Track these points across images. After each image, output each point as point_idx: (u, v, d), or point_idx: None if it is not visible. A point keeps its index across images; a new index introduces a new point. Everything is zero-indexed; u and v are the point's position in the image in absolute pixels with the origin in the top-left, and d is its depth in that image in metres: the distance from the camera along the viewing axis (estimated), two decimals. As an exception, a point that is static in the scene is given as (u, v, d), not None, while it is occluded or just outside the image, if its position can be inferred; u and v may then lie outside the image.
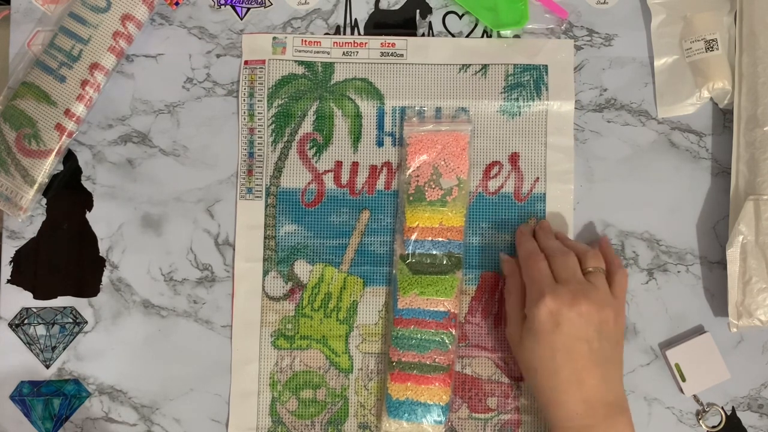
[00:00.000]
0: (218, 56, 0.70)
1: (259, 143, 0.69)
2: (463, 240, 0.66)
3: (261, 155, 0.69)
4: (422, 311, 0.65)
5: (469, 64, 0.69)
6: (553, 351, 0.57)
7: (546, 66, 0.69)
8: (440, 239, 0.65)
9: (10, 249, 0.69)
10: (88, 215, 0.69)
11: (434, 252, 0.65)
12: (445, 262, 0.65)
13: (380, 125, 0.69)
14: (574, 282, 0.58)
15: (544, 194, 0.68)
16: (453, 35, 0.70)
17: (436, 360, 0.64)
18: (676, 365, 0.66)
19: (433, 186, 0.66)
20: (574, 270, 0.60)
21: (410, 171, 0.66)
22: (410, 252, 0.65)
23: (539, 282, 0.59)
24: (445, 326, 0.64)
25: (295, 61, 0.69)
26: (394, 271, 0.66)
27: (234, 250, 0.68)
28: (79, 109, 0.67)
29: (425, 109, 0.68)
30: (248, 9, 0.70)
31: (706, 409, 0.67)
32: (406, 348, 0.64)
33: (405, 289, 0.65)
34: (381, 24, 0.70)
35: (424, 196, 0.66)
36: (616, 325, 0.59)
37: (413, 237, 0.65)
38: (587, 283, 0.59)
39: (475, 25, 0.70)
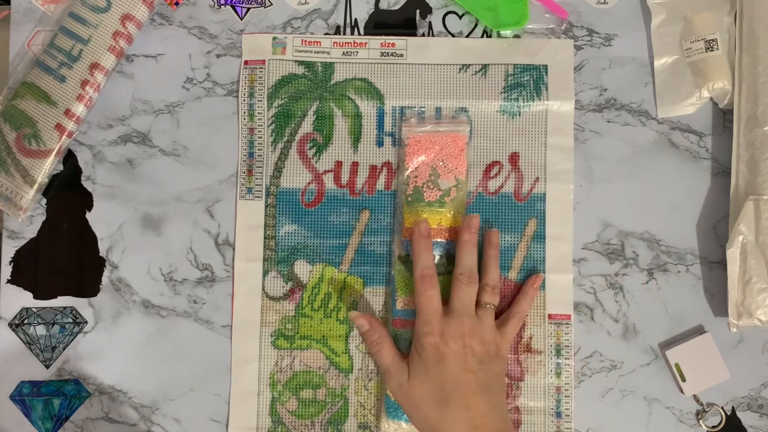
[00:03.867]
0: (218, 56, 0.70)
1: (259, 143, 0.69)
2: None
3: (261, 155, 0.69)
4: None
5: (469, 64, 0.69)
6: (443, 381, 0.59)
7: (546, 66, 0.69)
8: (439, 240, 0.65)
9: (10, 249, 0.69)
10: (88, 215, 0.69)
11: (432, 252, 0.65)
12: (443, 262, 0.65)
13: (380, 125, 0.69)
14: (463, 316, 0.61)
15: (544, 194, 0.68)
16: (453, 35, 0.70)
17: None
18: (676, 365, 0.66)
19: (432, 187, 0.66)
20: (468, 305, 0.61)
21: (408, 172, 0.66)
22: (408, 253, 0.65)
23: (428, 314, 0.61)
24: None
25: (295, 61, 0.69)
26: (392, 272, 0.66)
27: (234, 250, 0.68)
28: (79, 109, 0.67)
29: (424, 109, 0.68)
30: (248, 9, 0.70)
31: (706, 409, 0.67)
32: (405, 348, 0.64)
33: (403, 290, 0.65)
34: (381, 24, 0.70)
35: (422, 196, 0.66)
36: (498, 358, 0.62)
37: (411, 237, 0.65)
38: (475, 318, 0.61)
39: (475, 25, 0.70)
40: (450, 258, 0.65)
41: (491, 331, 0.62)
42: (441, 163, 0.66)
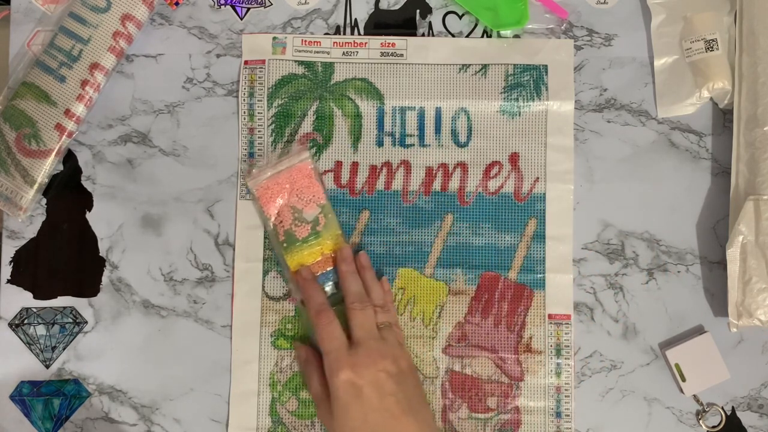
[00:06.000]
0: (218, 56, 0.70)
1: (259, 143, 0.69)
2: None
3: (261, 155, 0.69)
4: None
5: (469, 64, 0.69)
6: (365, 414, 0.57)
7: (546, 66, 0.69)
8: (328, 269, 0.65)
9: (10, 249, 0.69)
10: (88, 215, 0.69)
11: (327, 283, 0.65)
12: (338, 290, 0.65)
13: (380, 125, 0.69)
14: (369, 341, 0.60)
15: (544, 194, 0.68)
16: (453, 35, 0.70)
17: None
18: (676, 365, 0.66)
19: (299, 224, 0.66)
20: (370, 328, 0.61)
21: (272, 220, 0.66)
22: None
23: (334, 351, 0.59)
24: None
25: (295, 61, 0.69)
26: (299, 318, 0.67)
27: (234, 250, 0.68)
28: (79, 109, 0.67)
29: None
30: (248, 9, 0.70)
31: (706, 409, 0.67)
32: None
33: (311, 330, 0.66)
34: (381, 24, 0.70)
35: (295, 237, 0.66)
36: (411, 372, 0.61)
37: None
38: (381, 339, 0.61)
39: (475, 25, 0.70)
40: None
41: (399, 348, 0.61)
42: (297, 198, 0.66)
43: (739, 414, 0.67)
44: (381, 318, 0.62)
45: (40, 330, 0.68)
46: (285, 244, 0.66)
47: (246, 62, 0.70)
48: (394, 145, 0.69)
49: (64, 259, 0.69)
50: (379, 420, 0.57)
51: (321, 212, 0.66)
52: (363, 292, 0.63)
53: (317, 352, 0.63)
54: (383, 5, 0.70)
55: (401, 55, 0.69)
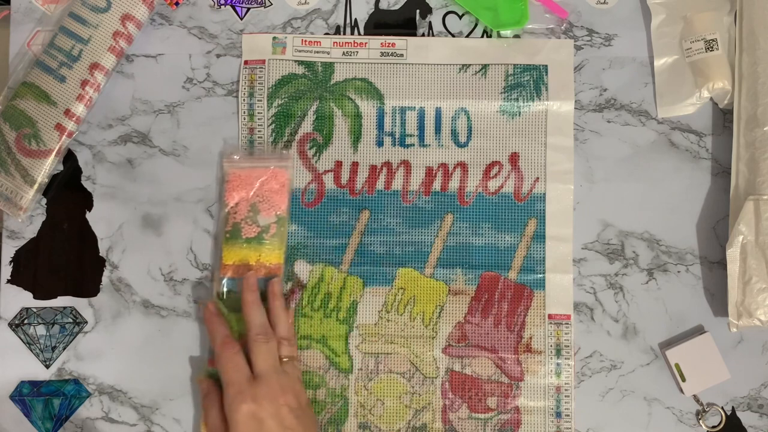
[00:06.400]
0: (218, 56, 0.70)
1: (259, 143, 0.69)
2: (282, 276, 0.66)
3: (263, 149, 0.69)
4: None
5: (469, 64, 0.69)
6: None
7: (546, 66, 0.69)
8: (259, 277, 0.65)
9: (10, 249, 0.69)
10: (88, 215, 0.69)
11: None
12: (262, 299, 0.64)
13: (380, 125, 0.69)
14: (272, 374, 0.59)
15: (544, 194, 0.68)
16: (453, 35, 0.70)
17: None
18: (676, 365, 0.66)
19: (250, 223, 0.65)
20: (273, 361, 0.60)
21: (228, 208, 0.66)
22: (226, 290, 0.65)
23: (237, 383, 0.58)
24: None
25: (295, 61, 0.69)
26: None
27: (234, 250, 0.68)
28: (79, 109, 0.67)
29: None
30: (248, 9, 0.70)
31: (706, 409, 0.67)
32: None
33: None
34: (381, 24, 0.70)
35: (240, 233, 0.65)
36: (309, 406, 0.61)
37: (228, 274, 0.65)
38: (284, 373, 0.60)
39: (475, 25, 0.70)
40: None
41: (299, 384, 0.61)
42: (260, 200, 0.66)
43: (739, 414, 0.67)
44: (284, 351, 0.62)
45: (40, 330, 0.68)
46: (228, 236, 0.66)
47: (246, 62, 0.70)
48: (394, 145, 0.69)
49: (64, 259, 0.69)
50: None
51: (276, 222, 0.66)
52: (267, 324, 0.62)
53: (218, 387, 0.61)
54: (383, 5, 0.70)
55: (401, 55, 0.69)
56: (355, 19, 0.70)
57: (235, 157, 0.67)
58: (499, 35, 0.69)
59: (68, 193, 0.69)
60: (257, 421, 0.57)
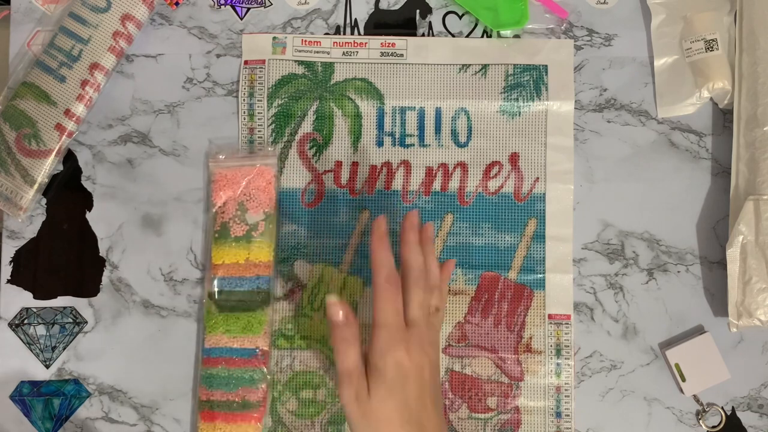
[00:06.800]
0: (218, 56, 0.70)
1: (259, 143, 0.69)
2: (272, 274, 0.66)
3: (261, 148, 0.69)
4: (230, 350, 0.65)
5: (469, 64, 0.69)
6: (406, 399, 0.53)
7: (546, 66, 0.69)
8: (247, 275, 0.65)
9: (10, 249, 0.69)
10: (88, 215, 0.69)
11: (241, 288, 0.65)
12: (252, 298, 0.65)
13: (380, 125, 0.69)
14: (423, 324, 0.55)
15: (544, 194, 0.68)
16: (453, 35, 0.70)
17: (246, 397, 0.64)
18: (676, 365, 0.66)
19: (238, 222, 0.65)
20: (426, 312, 0.56)
21: (216, 208, 0.66)
22: (217, 290, 0.65)
23: (393, 327, 0.54)
24: (254, 363, 0.64)
25: (295, 61, 0.69)
26: (203, 310, 0.66)
27: (234, 250, 0.68)
28: (79, 109, 0.67)
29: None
30: (248, 9, 0.70)
31: (706, 409, 0.67)
32: (215, 387, 0.64)
33: (212, 328, 0.65)
34: (381, 24, 0.70)
35: (228, 232, 0.66)
36: (438, 364, 0.58)
37: (219, 274, 0.65)
38: (431, 325, 0.57)
39: (475, 25, 0.70)
40: (260, 294, 0.65)
41: (438, 334, 0.59)
42: (248, 198, 0.66)
43: (739, 414, 0.67)
44: (435, 301, 0.58)
45: (40, 330, 0.68)
46: (216, 235, 0.66)
47: (246, 62, 0.70)
48: (394, 145, 0.69)
49: (64, 259, 0.69)
50: (418, 408, 0.54)
51: (264, 219, 0.66)
52: (425, 270, 0.57)
53: (355, 317, 0.56)
54: (383, 5, 0.70)
55: (401, 55, 0.69)
56: (355, 19, 0.70)
57: (221, 156, 0.67)
58: (499, 35, 0.69)
59: (68, 193, 0.69)
60: (405, 372, 0.53)
